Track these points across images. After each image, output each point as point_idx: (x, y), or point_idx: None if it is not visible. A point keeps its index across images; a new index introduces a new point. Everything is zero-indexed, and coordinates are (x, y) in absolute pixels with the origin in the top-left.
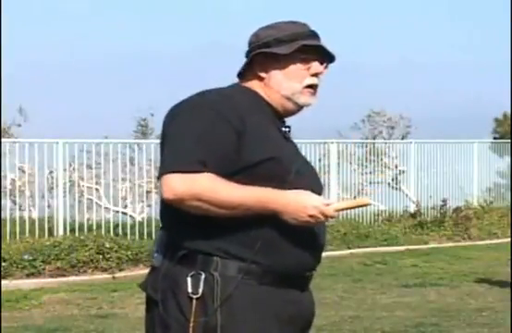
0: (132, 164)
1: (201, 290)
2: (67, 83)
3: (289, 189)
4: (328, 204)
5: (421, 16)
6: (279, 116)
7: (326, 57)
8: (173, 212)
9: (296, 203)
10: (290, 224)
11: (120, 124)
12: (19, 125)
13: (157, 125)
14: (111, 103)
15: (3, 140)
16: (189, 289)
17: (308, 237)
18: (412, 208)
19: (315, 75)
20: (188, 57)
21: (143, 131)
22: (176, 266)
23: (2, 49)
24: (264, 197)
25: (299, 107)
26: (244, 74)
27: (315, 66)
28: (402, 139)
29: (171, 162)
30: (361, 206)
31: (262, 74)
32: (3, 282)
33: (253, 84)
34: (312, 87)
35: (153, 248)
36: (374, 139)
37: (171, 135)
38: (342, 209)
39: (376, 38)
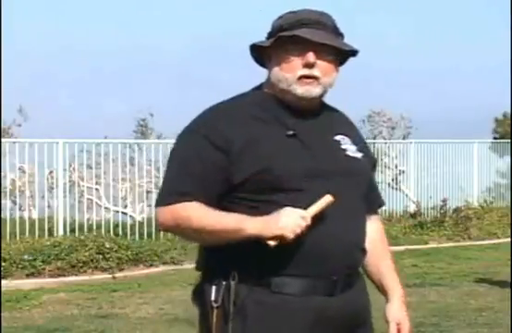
0: (132, 164)
1: (220, 299)
2: (66, 83)
3: (300, 196)
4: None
5: (421, 16)
6: (300, 110)
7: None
8: None
9: (269, 218)
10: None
11: (120, 124)
12: (19, 125)
13: (157, 125)
14: (111, 103)
15: (3, 140)
16: (213, 298)
17: (328, 240)
18: (412, 208)
19: (308, 66)
20: (187, 57)
21: (143, 131)
22: (202, 278)
23: (2, 49)
24: (240, 218)
25: (303, 99)
26: None
27: (307, 56)
28: (403, 139)
29: (159, 195)
30: (328, 204)
31: (267, 68)
32: (3, 282)
33: (266, 80)
34: (309, 77)
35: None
36: (374, 139)
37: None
38: (315, 212)
39: (378, 38)
